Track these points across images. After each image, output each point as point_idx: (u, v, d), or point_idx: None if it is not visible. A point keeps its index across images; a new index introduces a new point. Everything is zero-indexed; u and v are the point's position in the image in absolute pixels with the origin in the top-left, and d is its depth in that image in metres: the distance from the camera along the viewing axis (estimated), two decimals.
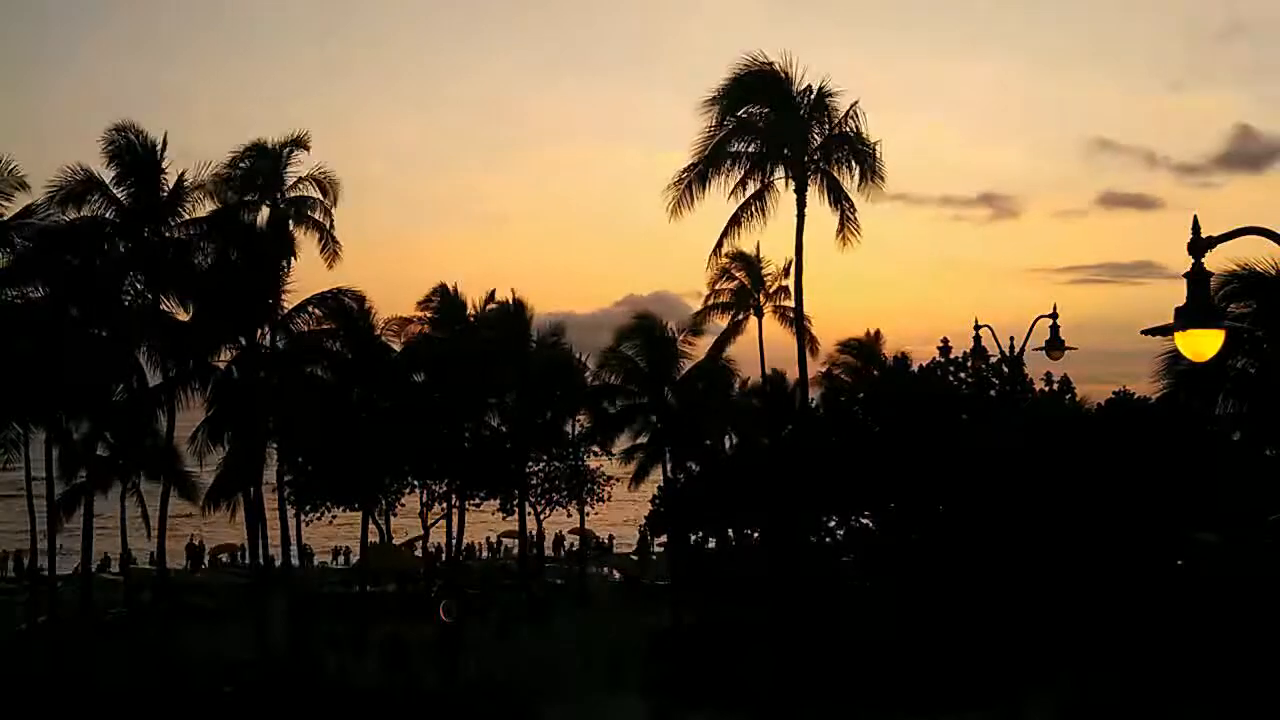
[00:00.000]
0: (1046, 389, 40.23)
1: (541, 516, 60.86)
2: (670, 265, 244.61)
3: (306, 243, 44.62)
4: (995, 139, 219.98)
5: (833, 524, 42.39)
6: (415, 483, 53.53)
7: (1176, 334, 8.85)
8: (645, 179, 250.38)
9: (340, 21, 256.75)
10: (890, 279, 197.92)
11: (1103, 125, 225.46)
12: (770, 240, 53.10)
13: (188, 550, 73.89)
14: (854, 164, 39.63)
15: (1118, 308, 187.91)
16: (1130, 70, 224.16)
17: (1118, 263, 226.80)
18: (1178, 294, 8.57)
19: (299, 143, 43.46)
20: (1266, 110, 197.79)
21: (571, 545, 73.45)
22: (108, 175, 39.96)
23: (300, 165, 44.18)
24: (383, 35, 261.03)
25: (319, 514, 51.10)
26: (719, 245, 42.88)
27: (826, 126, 39.84)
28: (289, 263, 42.94)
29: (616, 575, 67.22)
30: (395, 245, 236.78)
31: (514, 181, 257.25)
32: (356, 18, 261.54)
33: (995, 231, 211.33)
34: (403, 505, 55.87)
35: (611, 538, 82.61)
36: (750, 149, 40.72)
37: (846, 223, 39.84)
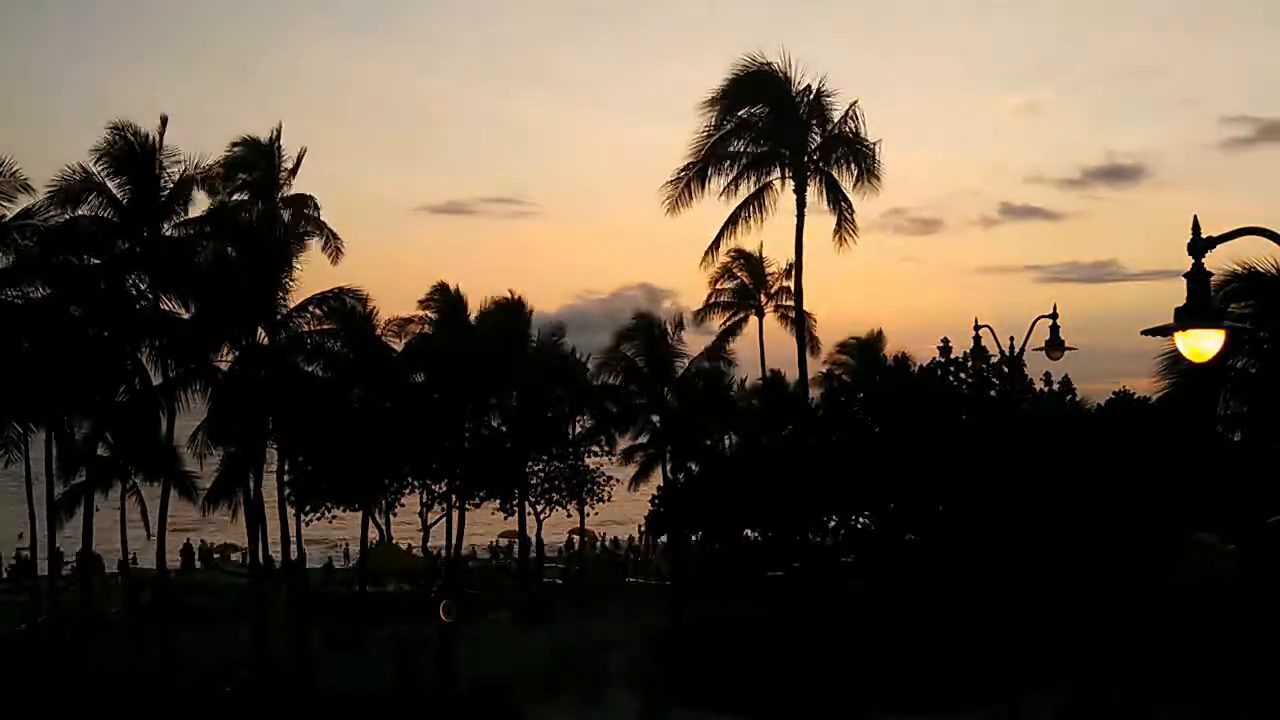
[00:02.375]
0: (1046, 389, 40.28)
1: (541, 516, 60.86)
2: (648, 261, 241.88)
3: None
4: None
5: (833, 524, 42.42)
6: (415, 483, 53.46)
7: (1176, 334, 8.79)
8: (628, 172, 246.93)
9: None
10: (864, 278, 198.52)
11: (972, 146, 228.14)
12: (764, 239, 52.88)
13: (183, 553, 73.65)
14: (852, 164, 39.65)
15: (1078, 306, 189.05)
16: (983, 95, 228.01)
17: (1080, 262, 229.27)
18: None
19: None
20: (1120, 132, 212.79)
21: (573, 544, 73.40)
22: (106, 175, 39.87)
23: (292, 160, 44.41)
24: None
25: (319, 514, 51.05)
26: (716, 244, 42.86)
27: (825, 127, 39.84)
28: (291, 263, 42.76)
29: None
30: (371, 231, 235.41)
31: (495, 172, 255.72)
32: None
33: (927, 240, 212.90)
34: (403, 505, 55.82)
35: (630, 537, 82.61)
36: (749, 149, 40.71)
37: (844, 223, 39.86)
